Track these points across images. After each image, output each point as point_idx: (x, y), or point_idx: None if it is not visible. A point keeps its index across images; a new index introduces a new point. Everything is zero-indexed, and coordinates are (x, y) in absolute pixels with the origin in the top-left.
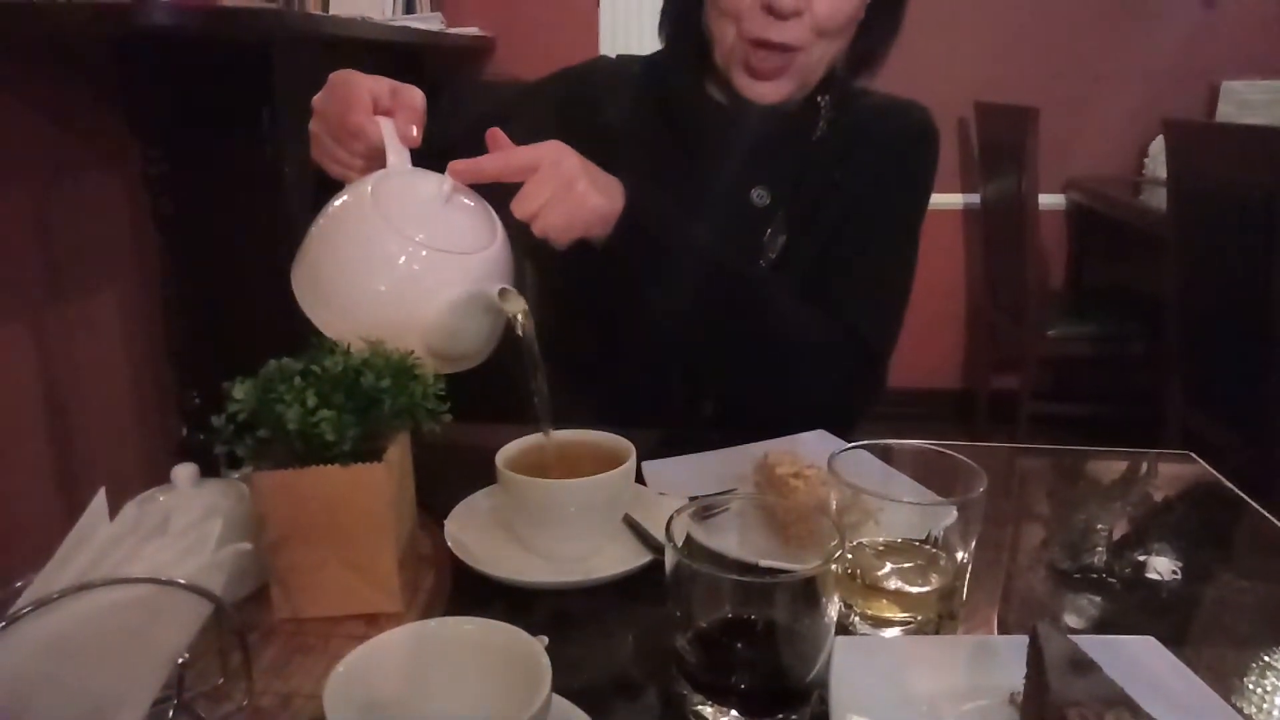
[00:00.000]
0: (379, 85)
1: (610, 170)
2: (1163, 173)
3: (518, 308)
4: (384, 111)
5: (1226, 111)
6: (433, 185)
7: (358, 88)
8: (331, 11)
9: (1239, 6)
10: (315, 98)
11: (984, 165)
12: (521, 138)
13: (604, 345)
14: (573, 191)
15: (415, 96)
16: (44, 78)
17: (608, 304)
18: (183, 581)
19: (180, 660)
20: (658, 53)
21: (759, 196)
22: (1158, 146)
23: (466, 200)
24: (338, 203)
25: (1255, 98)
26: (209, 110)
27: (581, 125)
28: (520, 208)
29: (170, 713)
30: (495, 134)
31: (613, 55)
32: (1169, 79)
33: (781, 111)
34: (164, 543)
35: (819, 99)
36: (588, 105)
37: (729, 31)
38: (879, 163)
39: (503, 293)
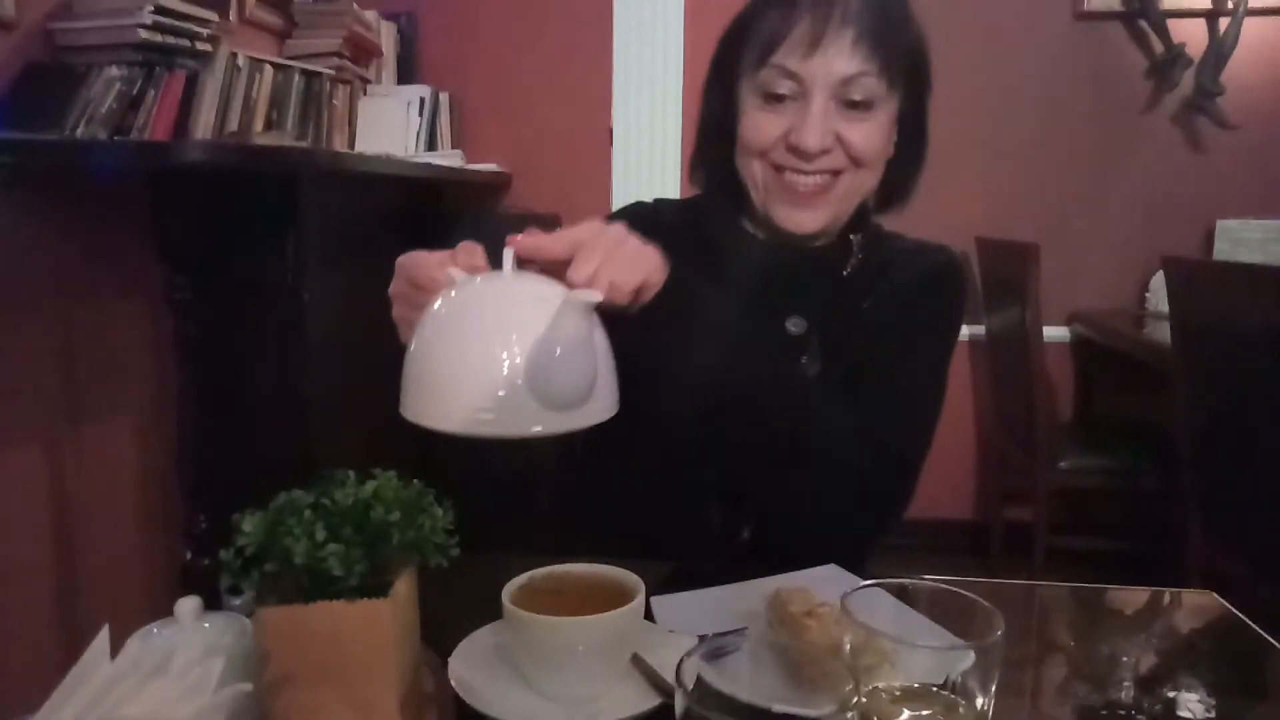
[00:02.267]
0: (440, 252)
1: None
2: (1165, 306)
3: (593, 297)
4: None
5: (1223, 249)
6: (498, 269)
7: (423, 255)
8: (358, 148)
9: (1229, 149)
10: (390, 288)
11: (988, 298)
12: None
13: (641, 467)
14: (626, 246)
15: (473, 246)
16: (76, 205)
17: (646, 398)
18: None
19: None
20: (696, 195)
21: (794, 325)
22: (1159, 281)
23: (533, 271)
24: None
25: (1250, 236)
26: (235, 238)
27: None
28: (578, 273)
29: None
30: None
31: (636, 195)
32: (1166, 217)
33: (816, 247)
34: (165, 683)
35: (851, 237)
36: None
37: (758, 169)
38: (906, 294)
39: (574, 293)
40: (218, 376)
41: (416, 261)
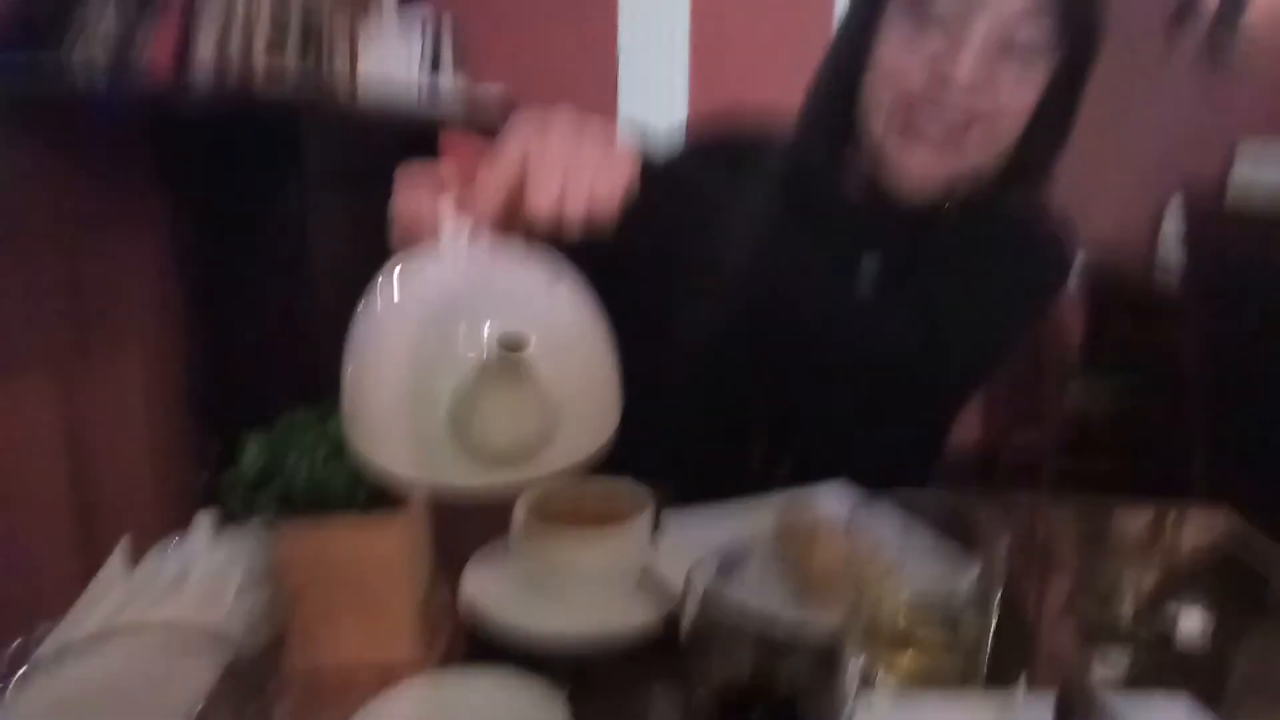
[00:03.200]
0: (442, 170)
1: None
2: (1179, 234)
3: (517, 360)
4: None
5: (1243, 172)
6: (449, 243)
7: (419, 179)
8: (360, 70)
9: (1250, 73)
10: (390, 208)
11: None
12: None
13: (674, 393)
14: (585, 142)
15: (470, 173)
16: (83, 137)
17: (673, 305)
18: (201, 630)
19: (199, 709)
20: (802, 120)
21: (865, 266)
22: (1174, 208)
23: (489, 246)
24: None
25: (1271, 157)
26: (241, 167)
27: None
28: (538, 199)
29: None
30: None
31: (644, 117)
32: (1183, 144)
33: (908, 216)
34: (184, 593)
35: (945, 205)
36: (725, 168)
37: (887, 97)
38: (997, 251)
39: (505, 338)
40: (224, 304)
41: (409, 195)
